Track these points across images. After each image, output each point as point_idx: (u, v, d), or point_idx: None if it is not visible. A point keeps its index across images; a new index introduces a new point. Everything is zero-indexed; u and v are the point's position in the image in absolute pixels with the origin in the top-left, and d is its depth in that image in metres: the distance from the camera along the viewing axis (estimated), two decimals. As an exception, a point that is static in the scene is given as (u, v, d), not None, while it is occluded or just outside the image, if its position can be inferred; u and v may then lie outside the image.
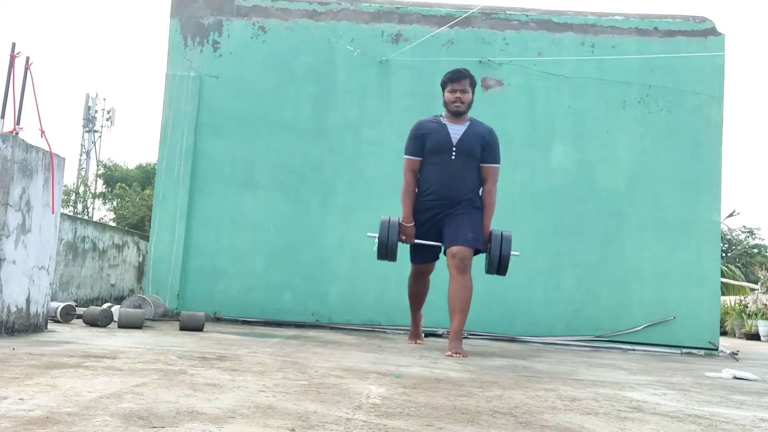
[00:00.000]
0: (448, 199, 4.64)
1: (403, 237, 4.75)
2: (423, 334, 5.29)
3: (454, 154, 4.62)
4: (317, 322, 6.53)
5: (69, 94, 74.00)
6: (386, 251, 4.70)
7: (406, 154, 4.78)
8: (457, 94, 4.65)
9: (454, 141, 4.63)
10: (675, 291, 6.55)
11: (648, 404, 2.61)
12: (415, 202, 4.75)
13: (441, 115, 4.78)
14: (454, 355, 4.22)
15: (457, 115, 4.69)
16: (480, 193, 4.74)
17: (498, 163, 4.74)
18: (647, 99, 6.78)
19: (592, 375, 3.65)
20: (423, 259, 4.84)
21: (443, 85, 4.76)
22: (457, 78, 4.68)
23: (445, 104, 4.73)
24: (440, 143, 4.65)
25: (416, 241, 4.75)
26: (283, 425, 1.78)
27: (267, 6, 6.96)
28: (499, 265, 4.63)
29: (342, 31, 6.91)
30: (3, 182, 3.79)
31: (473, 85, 4.73)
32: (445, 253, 4.64)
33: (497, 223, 4.84)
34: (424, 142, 4.70)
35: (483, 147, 4.68)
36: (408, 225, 4.73)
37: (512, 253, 4.65)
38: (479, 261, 4.77)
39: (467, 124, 4.71)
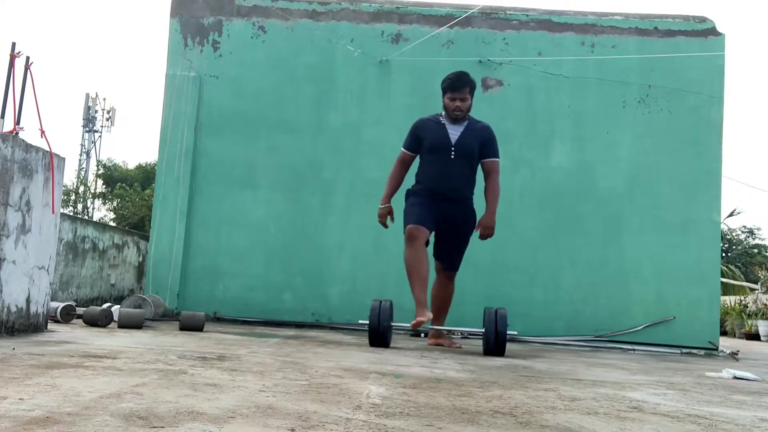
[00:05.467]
0: (445, 193, 4.80)
1: (380, 219, 4.98)
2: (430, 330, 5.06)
3: (453, 153, 4.79)
4: (317, 322, 6.53)
5: (69, 94, 74.04)
6: (377, 336, 4.63)
7: (402, 146, 5.02)
8: (457, 103, 4.79)
9: (453, 140, 4.80)
10: (675, 291, 6.55)
11: (648, 404, 2.61)
12: (413, 191, 4.91)
13: (441, 115, 4.93)
14: (453, 345, 4.59)
15: (455, 121, 4.85)
16: (472, 191, 4.93)
17: (498, 157, 4.93)
18: (647, 99, 6.78)
19: (592, 375, 3.65)
20: (422, 220, 4.68)
21: (443, 90, 4.88)
22: (458, 87, 4.79)
23: (445, 108, 4.88)
24: (439, 142, 4.81)
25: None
26: (283, 425, 1.78)
27: (267, 6, 6.96)
28: (496, 342, 4.54)
29: (342, 31, 6.91)
30: (3, 182, 3.79)
31: (473, 90, 4.87)
32: (434, 256, 4.97)
33: (497, 222, 4.85)
34: (422, 140, 4.89)
35: (482, 144, 4.85)
36: (383, 206, 4.95)
37: (509, 332, 4.65)
38: (472, 260, 4.77)
39: (465, 123, 4.88)
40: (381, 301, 4.70)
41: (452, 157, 4.77)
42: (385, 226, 5.04)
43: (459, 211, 4.84)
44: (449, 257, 4.96)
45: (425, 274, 4.61)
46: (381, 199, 4.98)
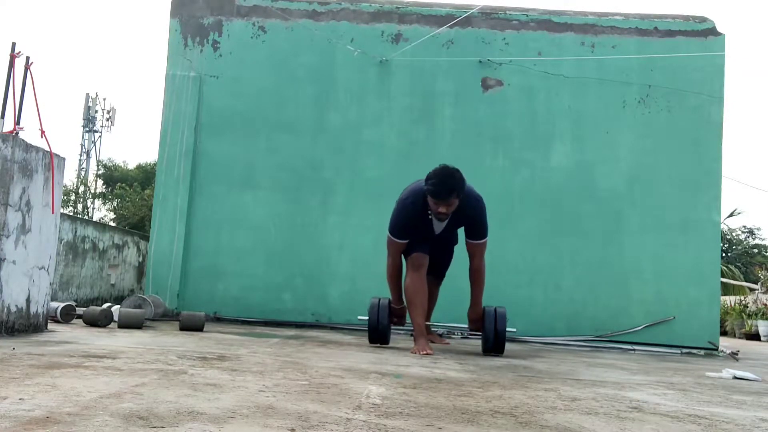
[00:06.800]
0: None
1: (395, 319, 4.82)
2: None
3: (437, 238, 4.62)
4: (317, 322, 6.53)
5: (69, 94, 73.98)
6: (377, 333, 4.65)
7: (392, 235, 4.60)
8: (441, 209, 4.30)
9: (437, 231, 4.57)
10: (675, 291, 6.55)
11: (648, 404, 2.61)
12: (409, 208, 4.62)
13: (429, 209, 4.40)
14: (441, 342, 4.47)
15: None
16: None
17: (484, 237, 4.53)
18: (647, 99, 6.78)
19: (592, 375, 3.65)
20: (424, 247, 4.61)
21: (427, 190, 4.28)
22: (443, 197, 4.24)
23: (429, 204, 4.37)
24: (424, 235, 4.56)
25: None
26: (283, 425, 1.78)
27: (267, 6, 6.96)
28: (495, 341, 4.51)
29: (342, 31, 6.91)
30: (3, 182, 3.79)
31: (461, 191, 4.27)
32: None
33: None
34: (411, 228, 4.55)
35: (467, 224, 4.51)
36: (399, 307, 4.80)
37: (508, 329, 4.59)
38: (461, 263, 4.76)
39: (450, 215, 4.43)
40: (380, 299, 4.70)
41: (435, 240, 4.62)
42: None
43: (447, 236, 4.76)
44: (440, 271, 4.99)
45: (426, 304, 4.65)
46: (393, 300, 4.79)
